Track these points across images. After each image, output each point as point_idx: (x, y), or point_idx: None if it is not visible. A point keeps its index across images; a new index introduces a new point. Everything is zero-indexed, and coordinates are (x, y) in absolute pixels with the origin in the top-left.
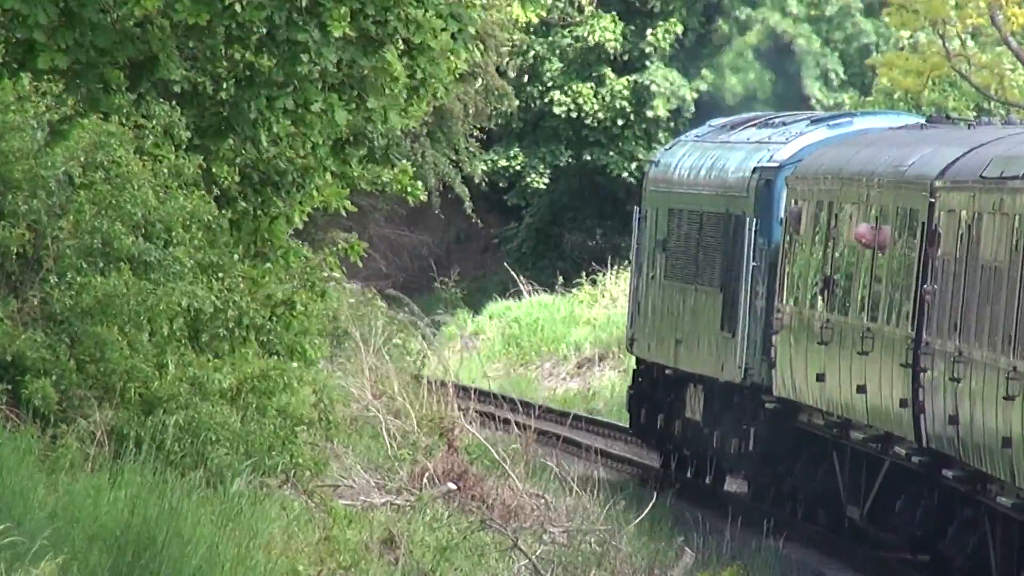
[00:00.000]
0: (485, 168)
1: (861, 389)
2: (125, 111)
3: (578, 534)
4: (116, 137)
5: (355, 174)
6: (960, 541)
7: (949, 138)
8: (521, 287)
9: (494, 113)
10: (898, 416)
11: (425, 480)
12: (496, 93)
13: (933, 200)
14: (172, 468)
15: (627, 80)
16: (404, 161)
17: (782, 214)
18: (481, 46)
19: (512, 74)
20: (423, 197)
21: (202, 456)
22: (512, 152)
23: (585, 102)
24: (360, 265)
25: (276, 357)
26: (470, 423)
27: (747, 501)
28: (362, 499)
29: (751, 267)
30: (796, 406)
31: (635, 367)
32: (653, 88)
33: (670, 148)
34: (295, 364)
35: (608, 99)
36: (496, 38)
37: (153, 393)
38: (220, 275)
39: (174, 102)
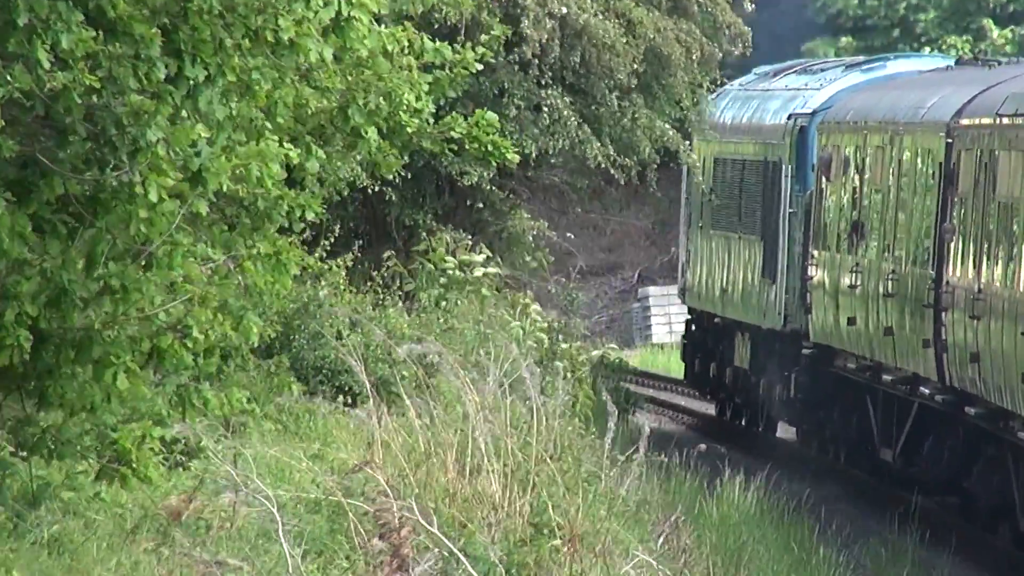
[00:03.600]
0: None
1: (888, 331)
2: None
3: None
4: None
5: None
6: (985, 479)
7: (970, 79)
8: None
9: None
10: (922, 356)
11: None
12: (728, 32)
13: (950, 140)
14: None
15: (1011, 31)
16: (483, 109)
17: (815, 160)
18: None
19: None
20: (513, 158)
21: None
22: None
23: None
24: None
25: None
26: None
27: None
28: None
29: (788, 214)
30: (831, 351)
31: (688, 317)
32: None
33: (715, 97)
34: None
35: (990, 53)
36: None
37: None
38: None
39: None
